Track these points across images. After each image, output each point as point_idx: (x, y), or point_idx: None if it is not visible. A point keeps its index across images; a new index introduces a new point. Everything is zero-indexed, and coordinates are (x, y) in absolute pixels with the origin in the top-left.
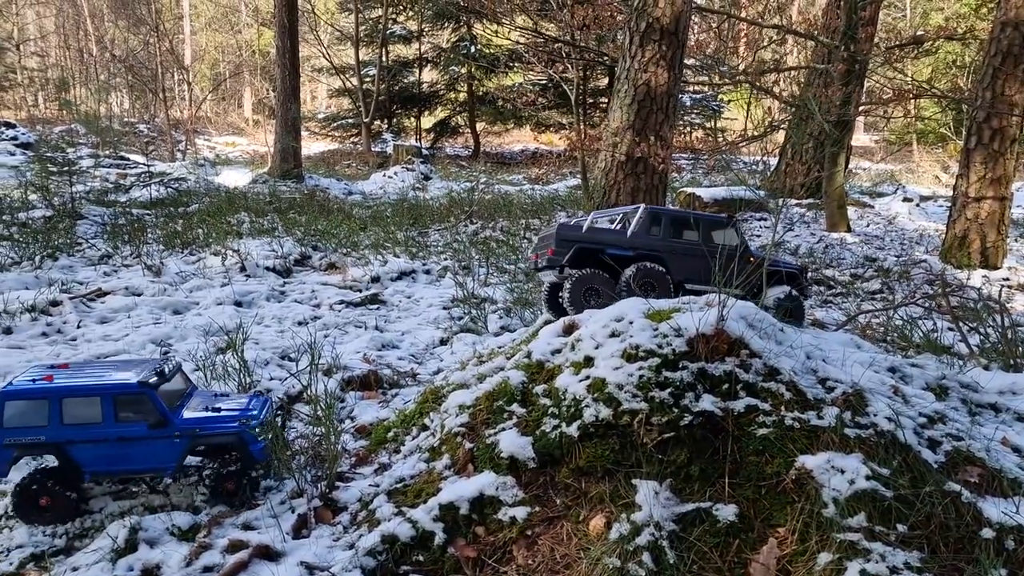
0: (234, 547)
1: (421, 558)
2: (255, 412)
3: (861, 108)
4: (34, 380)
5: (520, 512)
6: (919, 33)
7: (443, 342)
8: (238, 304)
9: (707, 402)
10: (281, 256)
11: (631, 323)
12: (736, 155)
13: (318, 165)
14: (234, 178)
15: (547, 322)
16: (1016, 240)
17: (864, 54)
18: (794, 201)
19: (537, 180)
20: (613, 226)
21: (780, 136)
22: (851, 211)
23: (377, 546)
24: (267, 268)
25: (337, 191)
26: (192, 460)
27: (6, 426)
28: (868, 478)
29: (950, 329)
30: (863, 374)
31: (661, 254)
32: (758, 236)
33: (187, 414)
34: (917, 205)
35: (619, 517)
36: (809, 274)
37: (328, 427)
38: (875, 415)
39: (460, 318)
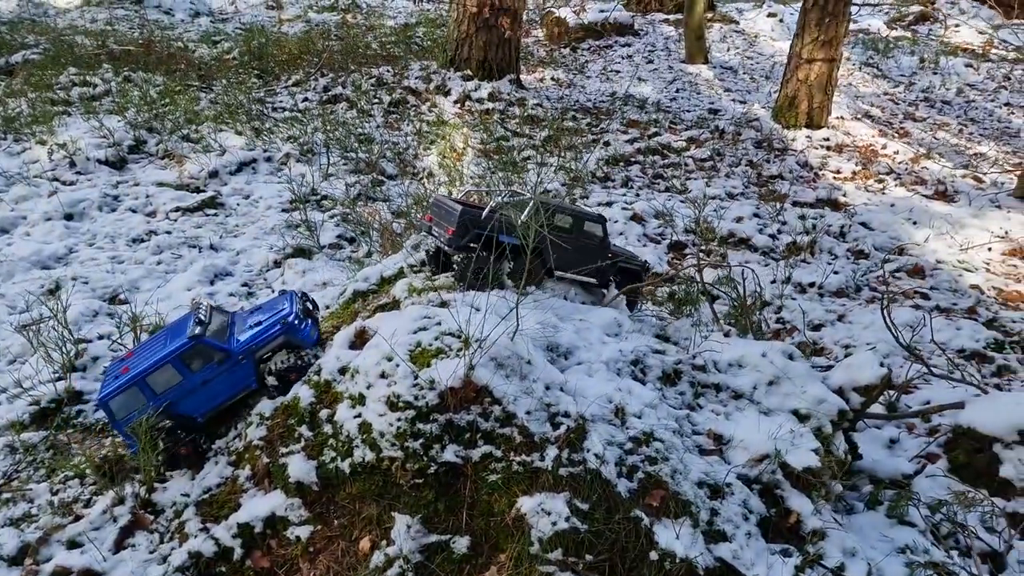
0: (58, 575)
1: (223, 569)
2: (287, 308)
3: None
4: (116, 376)
5: (304, 531)
6: None
7: (277, 264)
8: (68, 217)
9: (450, 453)
10: (113, 144)
11: (397, 366)
12: None
13: None
14: None
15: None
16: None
17: None
18: (661, 16)
19: None
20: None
21: None
22: (716, 30)
23: (186, 562)
24: (99, 161)
25: (182, 13)
26: None
27: (119, 419)
28: (568, 518)
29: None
30: (596, 393)
31: (543, 244)
32: (619, 63)
33: (241, 338)
34: (781, 20)
35: (380, 544)
36: (648, 270)
37: (144, 420)
38: (588, 450)
39: (296, 226)
